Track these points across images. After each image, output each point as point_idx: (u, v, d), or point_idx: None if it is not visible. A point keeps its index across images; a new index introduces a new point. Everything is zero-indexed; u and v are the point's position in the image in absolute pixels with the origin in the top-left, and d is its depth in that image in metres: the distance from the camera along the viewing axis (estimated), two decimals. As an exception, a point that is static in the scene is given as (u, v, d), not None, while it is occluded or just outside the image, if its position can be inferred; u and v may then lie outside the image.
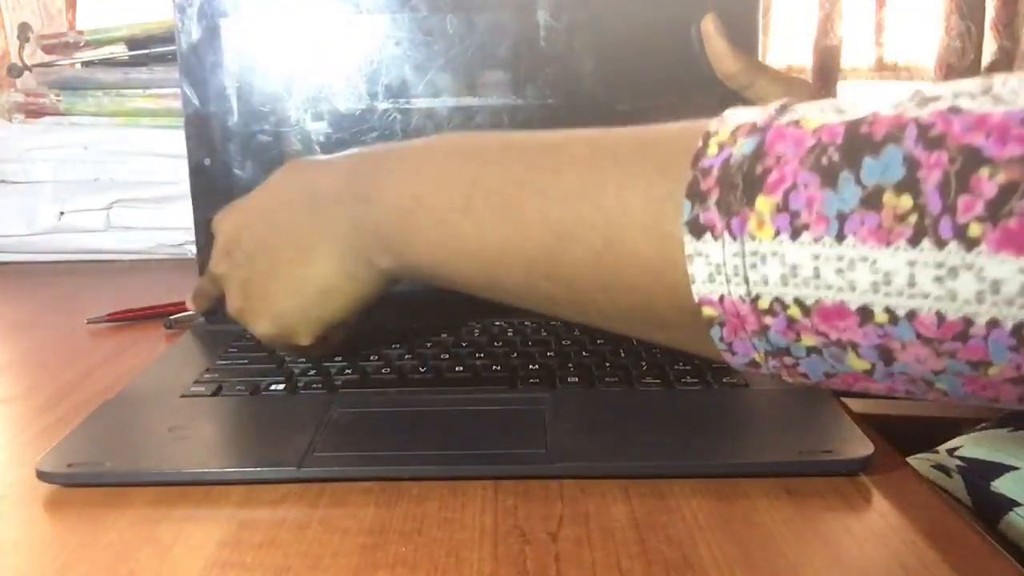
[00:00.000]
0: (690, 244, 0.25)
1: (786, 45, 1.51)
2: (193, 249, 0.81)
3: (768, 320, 0.24)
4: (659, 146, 0.27)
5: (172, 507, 0.33)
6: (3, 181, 0.81)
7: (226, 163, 0.55)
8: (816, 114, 0.24)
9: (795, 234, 0.23)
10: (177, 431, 0.38)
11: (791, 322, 0.24)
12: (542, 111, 0.54)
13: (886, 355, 0.23)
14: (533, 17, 0.52)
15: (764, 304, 0.24)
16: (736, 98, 0.47)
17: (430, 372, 0.44)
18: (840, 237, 0.22)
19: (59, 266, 0.80)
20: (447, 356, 0.46)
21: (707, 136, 0.25)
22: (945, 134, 0.21)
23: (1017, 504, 0.46)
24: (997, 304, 0.20)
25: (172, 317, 0.58)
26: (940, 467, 0.52)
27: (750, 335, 0.25)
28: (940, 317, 0.21)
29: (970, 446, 0.53)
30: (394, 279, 0.37)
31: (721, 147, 0.25)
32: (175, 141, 0.80)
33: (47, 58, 0.85)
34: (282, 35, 0.54)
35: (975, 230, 0.20)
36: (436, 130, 0.37)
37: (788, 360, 0.25)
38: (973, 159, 0.20)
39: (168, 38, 0.81)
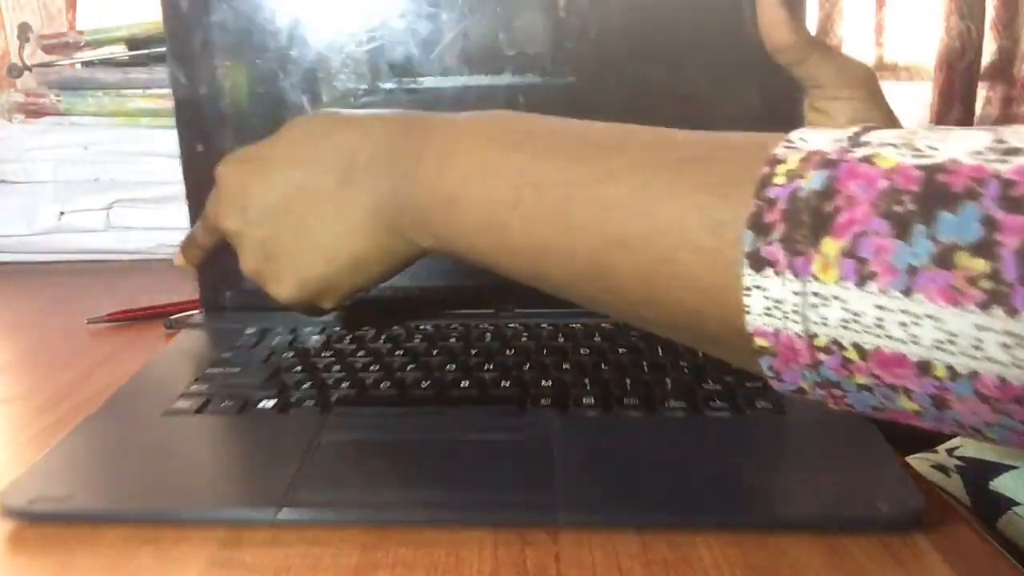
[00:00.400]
0: (749, 277, 0.24)
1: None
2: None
3: (822, 356, 0.23)
4: (721, 164, 0.26)
5: (143, 546, 0.30)
6: (3, 181, 0.81)
7: (220, 150, 0.51)
8: (892, 152, 0.23)
9: (861, 282, 0.22)
10: (153, 459, 0.35)
11: (846, 362, 0.23)
12: (562, 91, 0.49)
13: (940, 403, 0.22)
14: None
15: (821, 343, 0.23)
16: (774, 74, 0.41)
17: (433, 387, 0.41)
18: (908, 292, 0.21)
19: (59, 266, 0.80)
20: (453, 367, 0.43)
21: (773, 162, 0.24)
22: None
23: (1016, 503, 0.46)
24: None
25: (172, 317, 0.58)
26: (939, 467, 0.52)
27: (801, 367, 0.24)
28: (1003, 381, 0.20)
29: (969, 445, 0.53)
30: (431, 253, 0.35)
31: (789, 177, 0.24)
32: (175, 141, 0.80)
33: (47, 58, 0.85)
34: (278, 7, 0.50)
35: None
36: (449, 110, 0.35)
37: (836, 392, 0.25)
38: None
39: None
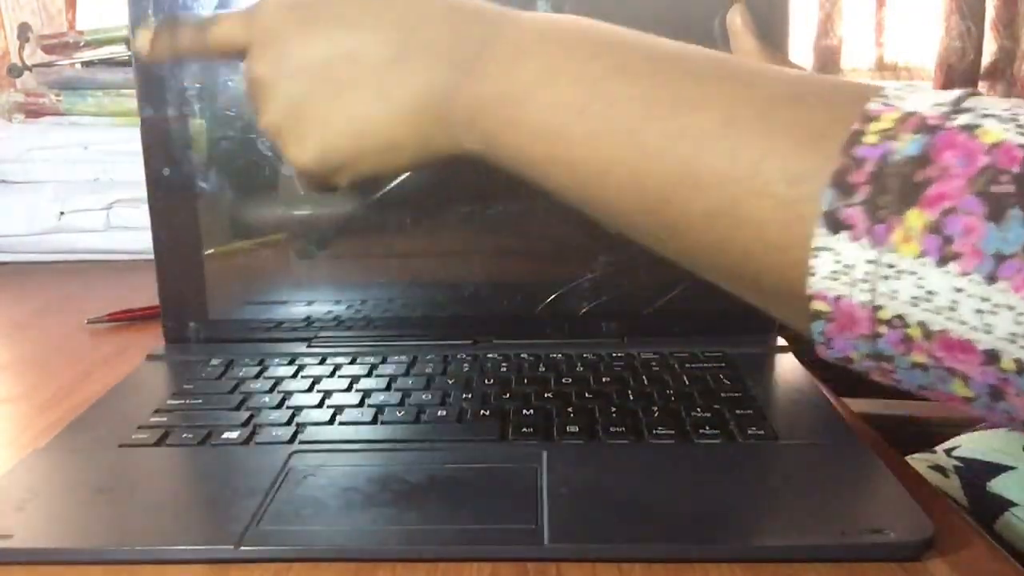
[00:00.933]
0: (822, 237, 0.22)
1: (786, 45, 1.51)
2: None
3: (883, 330, 0.22)
4: (812, 110, 0.24)
5: None
6: (3, 181, 0.81)
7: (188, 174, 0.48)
8: (995, 125, 0.21)
9: (942, 261, 0.21)
10: (106, 493, 0.33)
11: (907, 339, 0.22)
12: None
13: (996, 394, 0.22)
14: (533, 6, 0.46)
15: (885, 316, 0.22)
16: None
17: (408, 413, 0.39)
18: (991, 279, 0.20)
19: (59, 266, 0.80)
20: (429, 394, 0.41)
21: (867, 119, 0.23)
22: None
23: (1014, 504, 0.46)
24: None
25: None
26: (937, 467, 0.52)
27: (857, 337, 0.23)
28: None
29: (967, 446, 0.53)
30: (469, 157, 0.32)
31: (883, 137, 0.22)
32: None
33: (47, 58, 0.85)
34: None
35: None
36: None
37: (887, 366, 0.23)
38: None
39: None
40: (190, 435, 0.37)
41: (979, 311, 0.20)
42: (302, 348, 0.48)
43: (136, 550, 0.30)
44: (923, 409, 0.72)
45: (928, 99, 0.23)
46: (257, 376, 0.44)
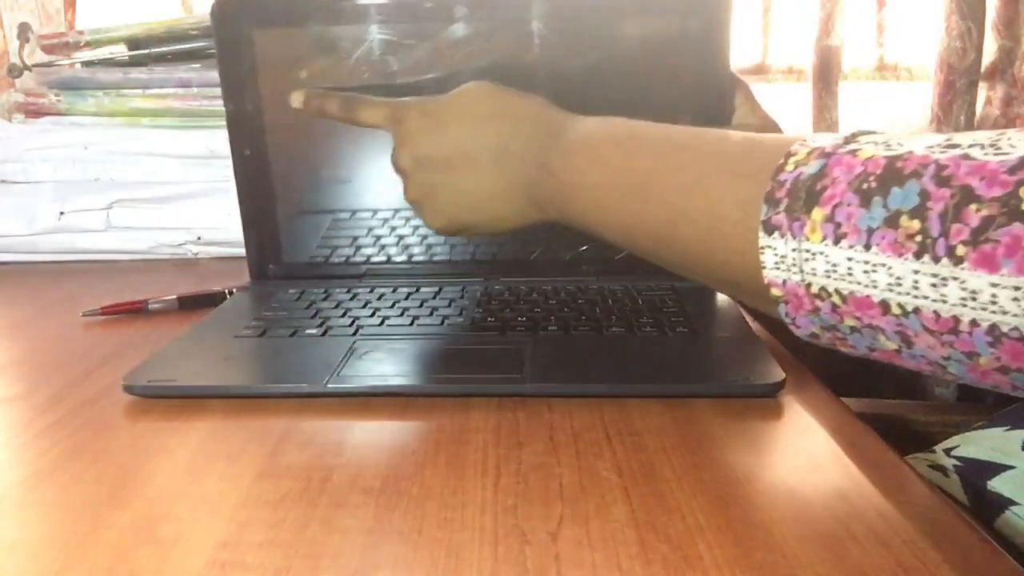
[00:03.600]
0: (763, 238, 0.31)
1: (786, 45, 1.51)
2: (193, 249, 0.81)
3: (819, 303, 0.30)
4: (754, 158, 0.34)
5: (236, 413, 0.43)
6: (3, 181, 0.81)
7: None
8: (870, 147, 0.30)
9: (837, 240, 0.29)
10: (231, 359, 0.48)
11: (835, 307, 0.30)
12: None
13: (905, 339, 0.28)
14: (527, 28, 0.58)
15: (815, 290, 0.30)
16: (713, 104, 0.57)
17: (435, 320, 0.53)
18: (867, 246, 0.28)
19: (59, 266, 0.80)
20: (451, 310, 0.55)
21: (788, 155, 0.32)
22: (953, 175, 0.26)
23: (1013, 503, 0.47)
24: (975, 308, 0.25)
25: (150, 304, 0.62)
26: (937, 467, 0.52)
27: (807, 313, 0.31)
28: (937, 314, 0.27)
29: (967, 445, 0.53)
30: (556, 220, 0.45)
31: (796, 165, 0.31)
32: (175, 141, 0.80)
33: (47, 58, 0.85)
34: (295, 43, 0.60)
35: (960, 251, 0.25)
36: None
37: (839, 335, 0.31)
38: (968, 196, 0.26)
39: (168, 38, 0.81)
40: (282, 331, 0.52)
41: (866, 272, 0.28)
42: (354, 283, 0.63)
43: (256, 387, 0.44)
44: (923, 410, 0.72)
45: (830, 138, 0.32)
46: (324, 299, 0.59)
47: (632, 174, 0.39)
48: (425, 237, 0.65)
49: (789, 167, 0.31)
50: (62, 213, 0.79)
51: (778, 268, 0.31)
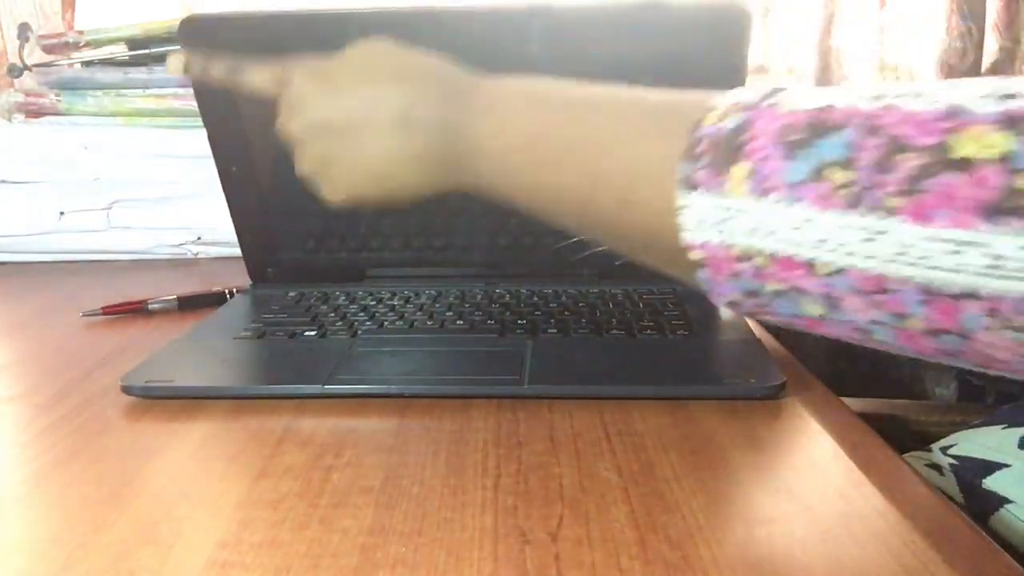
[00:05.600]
0: (683, 196, 0.29)
1: (787, 46, 1.51)
2: (193, 249, 0.81)
3: (741, 265, 0.28)
4: (671, 114, 0.32)
5: (234, 414, 0.43)
6: (3, 181, 0.81)
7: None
8: (794, 100, 0.28)
9: (761, 195, 0.27)
10: (229, 361, 0.48)
11: (758, 268, 0.28)
12: None
13: (831, 303, 0.27)
14: (528, 49, 0.56)
15: (737, 252, 0.28)
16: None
17: (435, 323, 0.53)
18: (793, 201, 0.26)
19: (59, 266, 0.80)
20: (450, 313, 0.55)
21: (708, 109, 0.30)
22: (881, 124, 0.25)
23: (1008, 501, 0.47)
24: (907, 264, 0.24)
25: (150, 304, 0.61)
26: (933, 465, 0.52)
27: (728, 277, 0.29)
28: (866, 272, 0.25)
29: (963, 444, 0.53)
30: (465, 189, 0.42)
31: (718, 119, 0.29)
32: (175, 141, 0.80)
33: (47, 58, 0.85)
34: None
35: (892, 203, 0.24)
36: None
37: (761, 301, 0.29)
38: (898, 146, 0.24)
39: (168, 38, 0.81)
40: (281, 333, 0.52)
41: (793, 228, 0.26)
42: (353, 286, 0.63)
43: (255, 388, 0.44)
44: (923, 410, 0.72)
45: (752, 91, 0.30)
46: (324, 302, 0.59)
47: (548, 137, 0.36)
48: (426, 238, 0.64)
49: (709, 120, 0.29)
50: (62, 213, 0.79)
51: (698, 229, 0.29)
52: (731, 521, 0.31)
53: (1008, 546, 0.44)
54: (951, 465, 0.51)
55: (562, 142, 0.36)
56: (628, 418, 0.41)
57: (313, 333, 0.52)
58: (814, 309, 0.28)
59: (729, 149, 0.28)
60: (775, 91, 0.30)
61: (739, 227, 0.28)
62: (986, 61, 1.44)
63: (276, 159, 0.61)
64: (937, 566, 0.29)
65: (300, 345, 0.50)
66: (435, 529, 0.31)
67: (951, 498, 0.48)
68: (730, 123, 0.29)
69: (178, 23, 0.56)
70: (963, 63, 1.41)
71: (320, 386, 0.43)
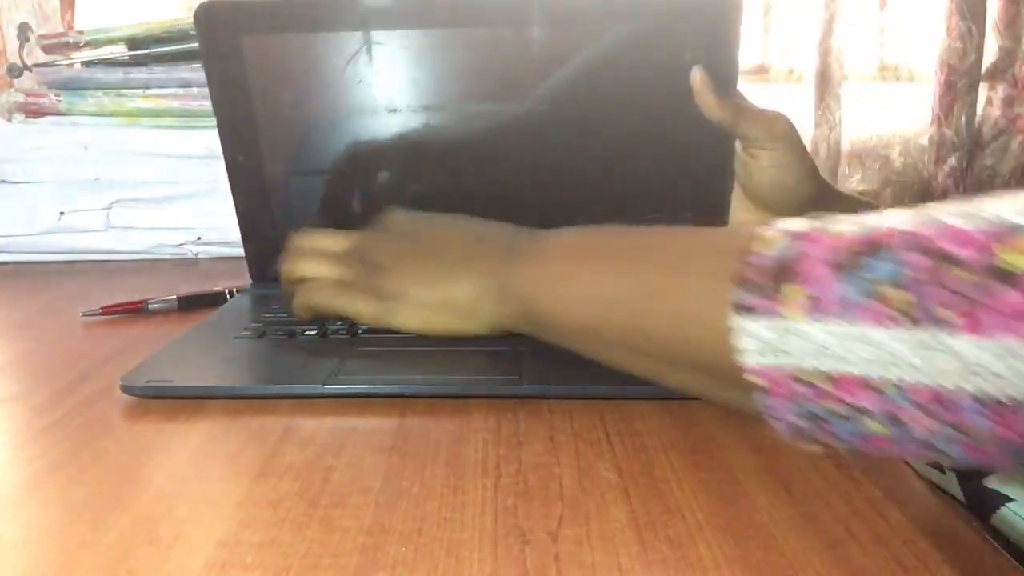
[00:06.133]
0: (736, 321, 0.30)
1: (787, 47, 1.51)
2: (193, 249, 0.81)
3: (798, 387, 0.29)
4: (721, 243, 0.34)
5: (234, 414, 0.42)
6: (3, 181, 0.81)
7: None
8: (839, 226, 0.30)
9: (816, 316, 0.28)
10: (229, 360, 0.48)
11: (816, 389, 0.28)
12: (531, 119, 0.59)
13: (893, 418, 0.27)
14: (526, 37, 0.57)
15: (794, 372, 0.29)
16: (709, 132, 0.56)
17: None
18: (847, 320, 0.27)
19: (59, 266, 0.80)
20: None
21: (754, 237, 0.31)
22: (927, 241, 0.26)
23: (1009, 499, 0.47)
24: (965, 376, 0.25)
25: (150, 304, 0.61)
26: (935, 464, 0.52)
27: (785, 399, 0.30)
28: (924, 386, 0.26)
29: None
30: (515, 330, 0.46)
31: (766, 246, 0.31)
32: (175, 141, 0.80)
33: (47, 58, 0.85)
34: (294, 56, 0.58)
35: (946, 315, 0.25)
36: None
37: (824, 425, 0.29)
38: (948, 261, 0.25)
39: (168, 38, 0.81)
40: (281, 333, 0.52)
41: (849, 347, 0.27)
42: None
43: (255, 387, 0.44)
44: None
45: (795, 220, 0.32)
46: None
47: (597, 284, 0.39)
48: None
49: (757, 248, 0.31)
50: (62, 213, 0.79)
51: (754, 352, 0.30)
52: (731, 521, 0.31)
53: (1009, 544, 0.44)
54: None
55: (612, 286, 0.38)
56: (628, 418, 0.41)
57: (313, 333, 0.52)
58: (878, 428, 0.28)
59: (780, 273, 0.29)
60: (822, 217, 0.31)
61: (795, 348, 0.28)
62: (986, 61, 1.44)
63: (284, 153, 0.61)
64: (937, 566, 0.29)
65: (300, 345, 0.50)
66: (435, 529, 0.31)
67: (953, 497, 0.48)
68: (779, 249, 0.30)
69: (193, 12, 0.57)
70: (963, 63, 1.41)
71: (320, 386, 0.43)
